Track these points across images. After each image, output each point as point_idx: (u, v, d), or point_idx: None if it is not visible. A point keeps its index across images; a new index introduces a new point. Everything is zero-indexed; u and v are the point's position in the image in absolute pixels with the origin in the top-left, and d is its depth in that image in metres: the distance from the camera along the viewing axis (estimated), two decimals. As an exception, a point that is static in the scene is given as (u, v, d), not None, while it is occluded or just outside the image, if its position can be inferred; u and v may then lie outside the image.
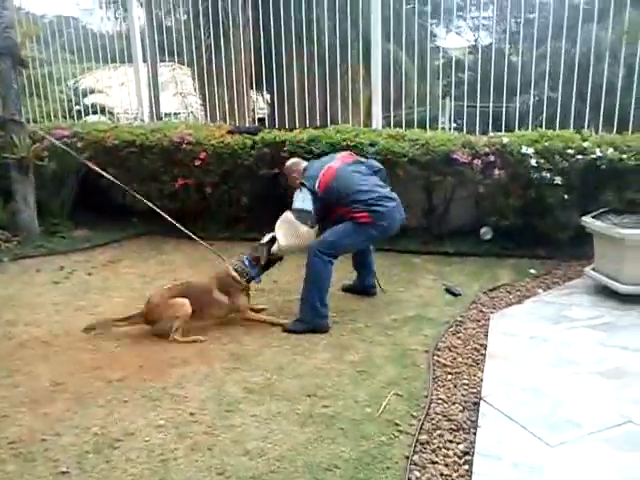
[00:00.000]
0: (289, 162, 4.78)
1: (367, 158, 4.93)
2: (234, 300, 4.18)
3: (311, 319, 4.09)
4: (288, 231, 4.16)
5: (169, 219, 5.00)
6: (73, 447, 2.76)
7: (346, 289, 4.86)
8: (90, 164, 5.58)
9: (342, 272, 4.78)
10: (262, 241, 4.30)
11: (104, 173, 5.45)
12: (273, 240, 4.21)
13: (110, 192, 7.05)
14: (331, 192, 4.17)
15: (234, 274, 4.18)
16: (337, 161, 4.42)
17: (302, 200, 4.15)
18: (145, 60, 8.23)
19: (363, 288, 4.79)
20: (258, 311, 4.41)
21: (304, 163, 4.63)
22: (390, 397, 3.17)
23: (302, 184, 4.24)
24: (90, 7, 13.55)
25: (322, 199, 4.17)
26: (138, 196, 5.32)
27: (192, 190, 6.54)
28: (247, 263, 4.23)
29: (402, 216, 4.35)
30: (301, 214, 4.14)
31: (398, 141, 5.93)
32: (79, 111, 9.61)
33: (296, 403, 3.12)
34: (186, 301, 3.99)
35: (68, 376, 3.47)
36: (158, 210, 5.09)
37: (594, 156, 5.32)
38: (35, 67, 8.77)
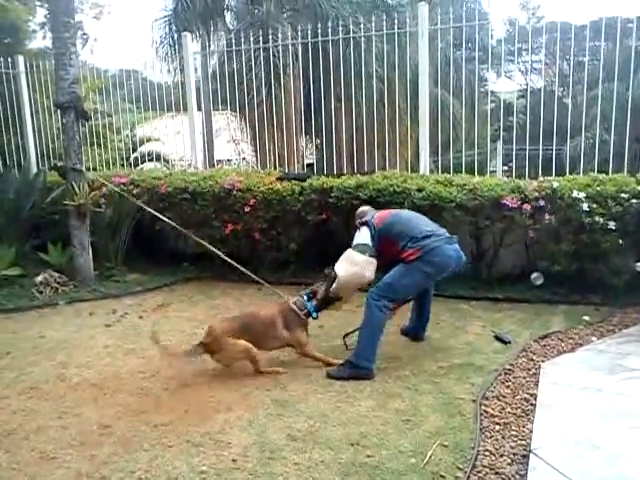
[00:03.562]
0: (363, 208, 4.82)
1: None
2: (294, 334, 4.24)
3: (357, 364, 4.05)
4: (346, 261, 4.23)
5: (230, 261, 5.24)
6: (117, 491, 2.79)
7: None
8: (154, 211, 5.93)
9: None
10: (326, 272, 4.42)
11: (162, 217, 5.74)
12: (334, 279, 4.25)
13: (162, 237, 7.26)
14: (387, 225, 4.26)
15: (294, 307, 4.29)
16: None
17: (360, 237, 4.28)
18: (200, 109, 8.53)
19: (414, 330, 4.76)
20: None
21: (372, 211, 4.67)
22: (435, 448, 3.09)
23: (361, 224, 4.38)
24: (150, 61, 14.28)
25: (379, 235, 4.23)
26: (197, 239, 5.66)
27: (241, 235, 6.66)
28: (305, 298, 4.35)
29: (458, 254, 4.27)
30: (358, 247, 4.22)
31: (446, 186, 5.91)
32: (136, 158, 10.01)
33: (339, 452, 3.08)
34: (249, 345, 4.07)
35: (115, 419, 3.54)
36: (217, 252, 5.43)
37: (649, 200, 5.18)
38: (97, 118, 9.22)
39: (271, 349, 4.33)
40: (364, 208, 4.85)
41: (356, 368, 4.04)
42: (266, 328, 4.21)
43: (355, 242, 4.28)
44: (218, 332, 4.11)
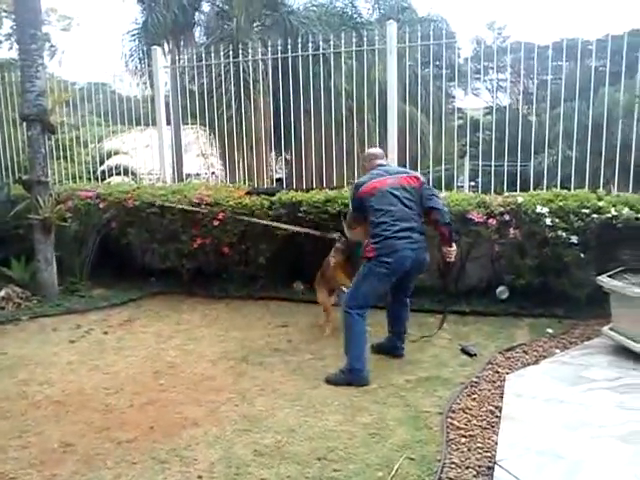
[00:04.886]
0: (369, 150, 4.94)
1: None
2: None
3: (348, 372, 4.17)
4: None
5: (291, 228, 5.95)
6: (79, 510, 2.73)
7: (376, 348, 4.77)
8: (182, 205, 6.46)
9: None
10: None
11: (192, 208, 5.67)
12: None
13: (129, 252, 7.18)
14: (368, 202, 4.30)
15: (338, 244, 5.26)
16: (391, 179, 4.33)
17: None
18: (169, 123, 8.48)
19: (390, 348, 4.73)
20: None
21: (376, 161, 4.61)
22: (402, 461, 3.09)
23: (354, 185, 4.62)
24: (119, 74, 14.20)
25: (361, 203, 4.39)
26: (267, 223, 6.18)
27: (210, 249, 6.62)
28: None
29: (418, 256, 4.28)
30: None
31: (413, 201, 5.95)
32: (103, 172, 9.89)
33: (306, 466, 3.07)
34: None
35: (78, 437, 3.47)
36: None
37: (609, 215, 5.31)
38: (64, 131, 9.11)
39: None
40: (372, 152, 4.82)
41: (350, 374, 4.16)
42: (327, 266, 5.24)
43: None
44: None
